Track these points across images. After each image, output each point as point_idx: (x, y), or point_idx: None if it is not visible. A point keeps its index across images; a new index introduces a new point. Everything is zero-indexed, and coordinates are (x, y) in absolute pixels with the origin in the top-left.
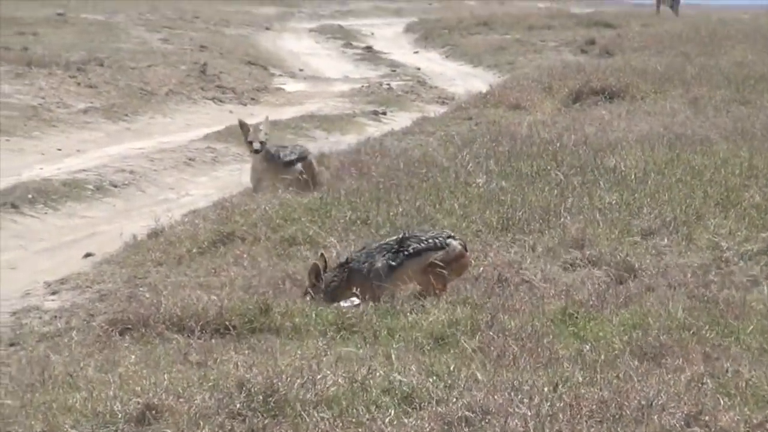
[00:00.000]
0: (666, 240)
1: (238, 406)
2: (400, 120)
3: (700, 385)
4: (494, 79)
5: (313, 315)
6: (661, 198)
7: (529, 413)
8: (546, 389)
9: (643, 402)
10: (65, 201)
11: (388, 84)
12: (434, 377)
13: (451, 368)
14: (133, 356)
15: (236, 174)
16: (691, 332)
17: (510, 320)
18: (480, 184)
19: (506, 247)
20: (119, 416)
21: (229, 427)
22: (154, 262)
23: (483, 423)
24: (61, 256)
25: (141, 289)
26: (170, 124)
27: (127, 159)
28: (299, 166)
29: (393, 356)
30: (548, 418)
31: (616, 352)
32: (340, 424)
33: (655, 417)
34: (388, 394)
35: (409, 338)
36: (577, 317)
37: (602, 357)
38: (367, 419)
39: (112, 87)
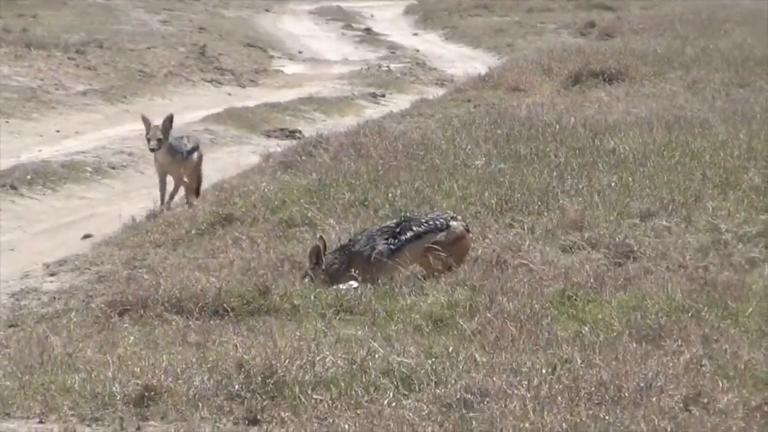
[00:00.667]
0: (665, 222)
1: (236, 387)
2: (398, 102)
3: (698, 367)
4: (493, 61)
5: (312, 297)
6: (659, 180)
7: (528, 395)
8: (545, 371)
9: (641, 384)
10: (64, 182)
11: (387, 66)
12: (433, 359)
13: (450, 350)
14: (131, 337)
15: (235, 155)
16: (690, 314)
17: (509, 302)
18: (479, 166)
19: (505, 228)
20: (118, 397)
21: (228, 409)
22: (153, 244)
23: (481, 405)
24: (60, 237)
25: (140, 270)
26: (169, 105)
27: (125, 141)
28: (195, 155)
29: (392, 338)
30: (547, 400)
31: (615, 334)
32: (339, 406)
33: (654, 399)
34: (387, 375)
35: (408, 320)
36: (575, 299)
37: (601, 339)
38: (366, 401)
39: (111, 69)
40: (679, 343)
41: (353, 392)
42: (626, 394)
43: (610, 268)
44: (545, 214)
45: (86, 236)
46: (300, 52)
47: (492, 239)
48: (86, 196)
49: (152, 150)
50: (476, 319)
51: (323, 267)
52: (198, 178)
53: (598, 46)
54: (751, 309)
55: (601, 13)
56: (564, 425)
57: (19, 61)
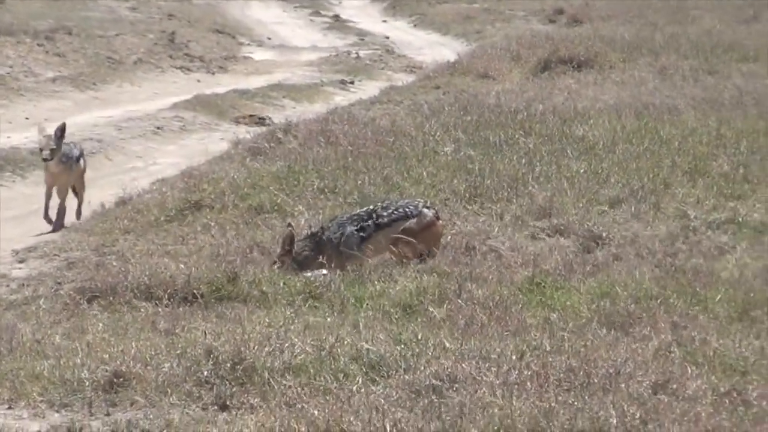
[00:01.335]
0: (634, 209)
1: (205, 373)
2: (368, 89)
3: (667, 354)
4: (462, 48)
5: (281, 283)
6: (629, 167)
7: (497, 381)
8: (514, 357)
9: (610, 370)
10: (33, 169)
11: (356, 53)
12: (402, 345)
13: (419, 336)
14: (100, 324)
15: (204, 142)
16: (659, 301)
17: (478, 289)
18: (448, 153)
19: (474, 215)
20: (87, 384)
21: (197, 395)
22: (122, 231)
23: (451, 391)
24: (29, 224)
25: (109, 257)
26: (138, 92)
27: (95, 127)
28: (82, 162)
29: (361, 324)
30: (516, 387)
31: (584, 320)
32: (308, 392)
33: (623, 385)
34: (355, 362)
35: (377, 307)
36: (544, 286)
37: (570, 325)
38: (335, 387)
39: (80, 56)
40: (648, 329)
41: (322, 379)
42: (595, 381)
43: (578, 255)
44: (514, 200)
45: None
46: (269, 39)
47: (461, 226)
48: None
49: (45, 160)
50: (445, 305)
51: (293, 254)
52: (83, 186)
53: (567, 33)
54: (719, 296)
55: (569, 0)
56: (533, 411)
57: None
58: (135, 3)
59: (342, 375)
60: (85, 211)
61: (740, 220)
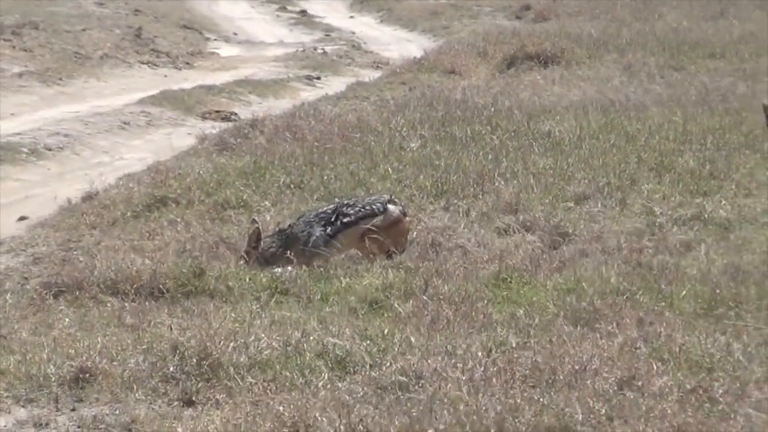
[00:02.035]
0: (600, 205)
1: (171, 369)
2: (334, 85)
3: (633, 350)
4: (429, 44)
5: (247, 279)
6: (595, 163)
7: (463, 377)
8: (480, 353)
9: (576, 366)
10: (0, 164)
11: (323, 49)
12: (368, 341)
13: (385, 332)
14: (67, 319)
15: (170, 137)
16: (625, 297)
17: (444, 285)
18: (414, 149)
19: (440, 211)
20: (53, 379)
21: (163, 391)
22: (89, 226)
23: (416, 387)
24: None
25: (75, 252)
26: (105, 87)
27: (61, 122)
28: None
29: (327, 320)
30: (482, 383)
31: (550, 316)
32: (274, 388)
33: (589, 381)
34: (321, 357)
35: (343, 302)
36: (510, 282)
37: (536, 321)
38: (301, 383)
39: (47, 51)
40: (614, 325)
41: (288, 374)
42: (561, 377)
43: (545, 251)
44: (480, 196)
45: (22, 218)
46: (235, 35)
47: (427, 222)
48: (22, 177)
49: None
50: (411, 301)
51: (260, 250)
52: None
53: (534, 29)
54: (685, 292)
55: None
56: (499, 407)
57: None
58: None
59: (308, 371)
60: (52, 207)
61: (706, 216)
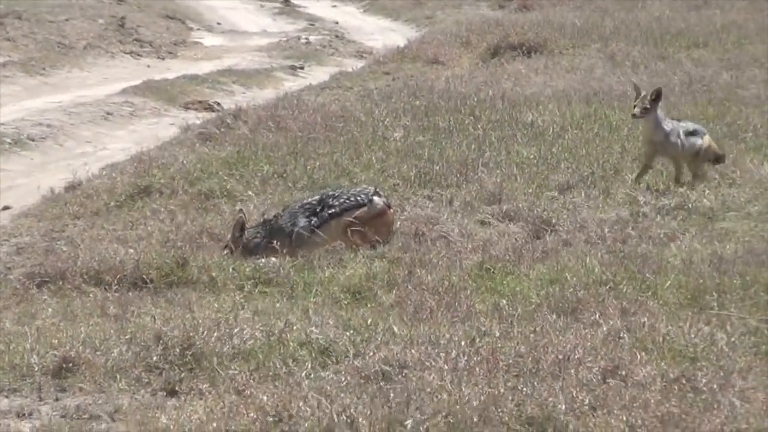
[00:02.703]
0: (583, 195)
1: (154, 359)
2: (317, 74)
3: (616, 340)
4: (412, 33)
5: (231, 269)
6: (578, 153)
7: (446, 367)
8: (463, 343)
9: (560, 356)
10: None
11: (306, 38)
12: (351, 331)
13: (368, 322)
14: (50, 309)
15: (154, 127)
16: (608, 287)
17: (427, 274)
18: (397, 139)
19: (423, 201)
20: (36, 369)
21: (146, 380)
22: (72, 216)
23: (400, 377)
24: None
25: (58, 242)
26: (88, 77)
27: (45, 113)
28: None
29: (310, 310)
30: (465, 372)
31: (533, 306)
32: (257, 378)
33: (572, 371)
34: (305, 347)
35: (327, 292)
36: (494, 272)
37: (519, 311)
38: (284, 372)
39: (30, 40)
40: (597, 315)
41: (271, 364)
42: (544, 367)
43: (528, 241)
44: (464, 186)
45: (5, 208)
46: (218, 24)
47: (410, 212)
48: (5, 168)
49: None
50: (395, 291)
51: (244, 240)
52: None
53: (517, 19)
54: (669, 282)
55: None
56: (482, 397)
57: None
58: None
59: (291, 360)
60: (35, 197)
61: (690, 206)
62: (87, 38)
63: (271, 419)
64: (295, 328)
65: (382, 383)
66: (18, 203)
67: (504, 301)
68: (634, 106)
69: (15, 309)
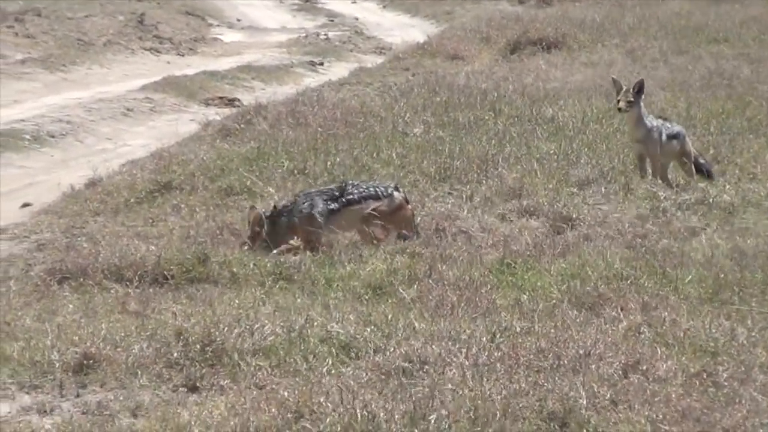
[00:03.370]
0: (604, 190)
1: (175, 355)
2: (337, 70)
3: (637, 335)
4: (432, 29)
5: (251, 265)
6: (598, 148)
7: (467, 363)
8: (484, 339)
9: (580, 351)
10: (3, 151)
11: (326, 34)
12: (372, 327)
13: (389, 318)
14: (71, 306)
15: (173, 124)
16: (629, 282)
17: (448, 270)
18: (417, 134)
19: (444, 196)
20: (57, 365)
21: (167, 376)
22: (92, 212)
23: (420, 372)
24: None
25: (79, 239)
26: (108, 74)
27: (64, 109)
28: None
29: (331, 306)
30: (486, 368)
31: (554, 301)
32: (278, 374)
33: (593, 366)
34: (325, 343)
35: (348, 288)
36: (514, 267)
37: (540, 307)
38: (305, 368)
39: (49, 37)
40: (618, 310)
41: (292, 360)
42: (565, 362)
43: (549, 236)
44: (484, 182)
45: (25, 205)
46: (238, 20)
47: (431, 207)
48: (25, 164)
49: None
50: (415, 286)
51: (265, 233)
52: None
53: (537, 15)
54: (689, 277)
55: None
56: (503, 392)
57: None
58: None
59: (312, 356)
60: (55, 193)
61: (710, 201)
62: (107, 35)
63: (292, 415)
64: (315, 323)
65: (402, 379)
66: (38, 200)
67: (525, 297)
68: (618, 101)
69: (36, 305)
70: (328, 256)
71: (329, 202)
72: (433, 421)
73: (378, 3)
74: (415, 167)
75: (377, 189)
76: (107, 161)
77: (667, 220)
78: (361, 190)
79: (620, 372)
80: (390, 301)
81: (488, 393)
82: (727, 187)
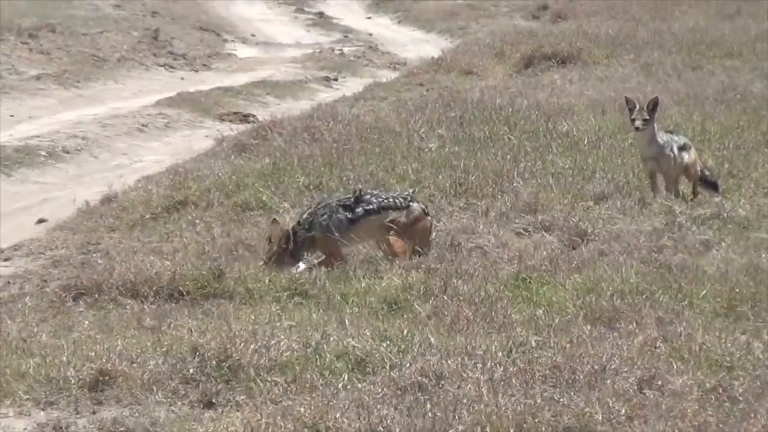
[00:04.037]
0: (619, 204)
1: (191, 371)
2: (352, 85)
3: (653, 350)
4: (446, 44)
5: (267, 280)
6: (613, 162)
7: (483, 378)
8: (499, 354)
9: (596, 366)
10: (18, 167)
11: (340, 49)
12: (388, 342)
13: (405, 333)
14: (86, 322)
15: (189, 140)
16: (645, 296)
17: (463, 285)
18: (432, 149)
19: (459, 211)
20: (72, 382)
21: (183, 392)
22: (107, 228)
23: (436, 388)
24: (14, 222)
25: (94, 254)
26: (122, 90)
27: (79, 125)
28: None
29: (346, 321)
30: (501, 383)
31: (570, 316)
32: (294, 389)
33: (609, 381)
34: (341, 359)
35: (363, 303)
36: (530, 282)
37: (555, 321)
38: (321, 384)
39: (64, 53)
40: (634, 325)
41: (308, 376)
42: (581, 377)
43: (564, 251)
44: (499, 197)
45: (40, 221)
46: (252, 36)
47: (446, 222)
48: (40, 180)
49: None
50: (431, 302)
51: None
52: None
53: (551, 29)
54: (705, 291)
55: None
56: (519, 408)
57: None
58: (119, 0)
59: (328, 372)
60: (70, 209)
61: (725, 215)
62: (121, 51)
63: (308, 431)
64: (331, 339)
65: (418, 395)
66: (53, 216)
67: (540, 311)
68: (634, 120)
69: (51, 321)
70: (342, 272)
71: (347, 212)
72: None
73: (392, 18)
74: (430, 182)
75: (396, 199)
76: (122, 177)
77: (682, 235)
78: (381, 199)
79: (636, 387)
80: (405, 316)
81: (504, 408)
82: (742, 201)
